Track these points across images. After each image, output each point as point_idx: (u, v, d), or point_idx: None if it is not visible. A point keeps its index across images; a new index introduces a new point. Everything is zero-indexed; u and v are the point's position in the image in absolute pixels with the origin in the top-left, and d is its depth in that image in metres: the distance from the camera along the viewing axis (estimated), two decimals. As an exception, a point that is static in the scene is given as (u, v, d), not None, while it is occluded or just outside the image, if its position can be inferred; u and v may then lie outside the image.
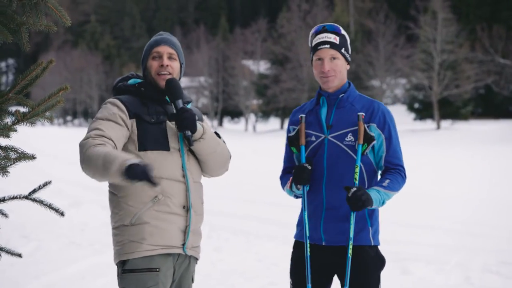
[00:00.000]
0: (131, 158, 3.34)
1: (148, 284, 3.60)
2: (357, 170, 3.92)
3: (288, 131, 4.20)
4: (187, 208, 3.73)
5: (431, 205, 13.48)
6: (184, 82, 61.44)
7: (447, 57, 43.94)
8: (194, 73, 63.15)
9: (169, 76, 3.80)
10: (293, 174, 4.03)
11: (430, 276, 7.84)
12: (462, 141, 33.58)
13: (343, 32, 4.07)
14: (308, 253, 3.98)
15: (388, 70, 48.87)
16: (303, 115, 4.10)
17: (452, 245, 9.53)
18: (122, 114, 3.69)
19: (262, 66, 59.46)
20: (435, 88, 43.80)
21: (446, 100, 44.96)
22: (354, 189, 3.81)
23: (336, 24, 4.07)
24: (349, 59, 4.09)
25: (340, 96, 4.04)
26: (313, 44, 4.06)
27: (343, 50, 4.02)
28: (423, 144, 32.51)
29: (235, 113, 65.50)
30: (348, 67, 4.08)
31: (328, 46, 3.99)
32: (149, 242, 3.62)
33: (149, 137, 3.69)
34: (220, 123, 63.35)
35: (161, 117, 3.76)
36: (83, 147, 3.53)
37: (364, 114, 3.98)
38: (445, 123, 46.82)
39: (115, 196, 3.73)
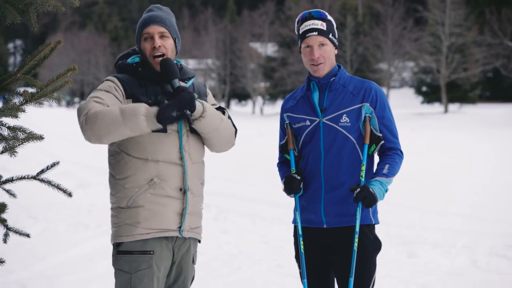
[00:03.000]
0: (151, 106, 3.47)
1: (142, 266, 3.59)
2: (363, 168, 4.00)
3: (282, 118, 4.27)
4: (184, 191, 3.69)
5: (438, 189, 13.46)
6: (191, 64, 61.53)
7: (455, 40, 43.73)
8: (202, 56, 63.09)
9: (162, 57, 3.71)
10: (283, 184, 4.12)
11: (436, 259, 7.84)
12: (470, 125, 33.48)
13: (329, 17, 4.11)
14: (302, 250, 4.06)
15: (396, 53, 48.68)
16: (288, 122, 4.19)
17: (459, 229, 9.52)
18: (118, 90, 3.64)
19: (270, 49, 59.38)
20: (443, 71, 43.63)
21: (454, 84, 44.83)
22: (358, 189, 3.90)
23: (321, 10, 4.11)
24: (337, 43, 4.13)
25: (332, 79, 4.08)
26: (300, 32, 4.10)
27: (330, 36, 4.06)
28: (431, 128, 32.46)
29: (243, 96, 65.47)
30: (336, 51, 4.13)
31: (316, 33, 4.02)
32: (143, 226, 3.61)
33: None
34: (228, 106, 63.32)
35: (158, 98, 3.67)
36: (84, 108, 3.49)
37: (370, 115, 4.03)
38: (453, 107, 46.70)
39: (114, 178, 3.71)
